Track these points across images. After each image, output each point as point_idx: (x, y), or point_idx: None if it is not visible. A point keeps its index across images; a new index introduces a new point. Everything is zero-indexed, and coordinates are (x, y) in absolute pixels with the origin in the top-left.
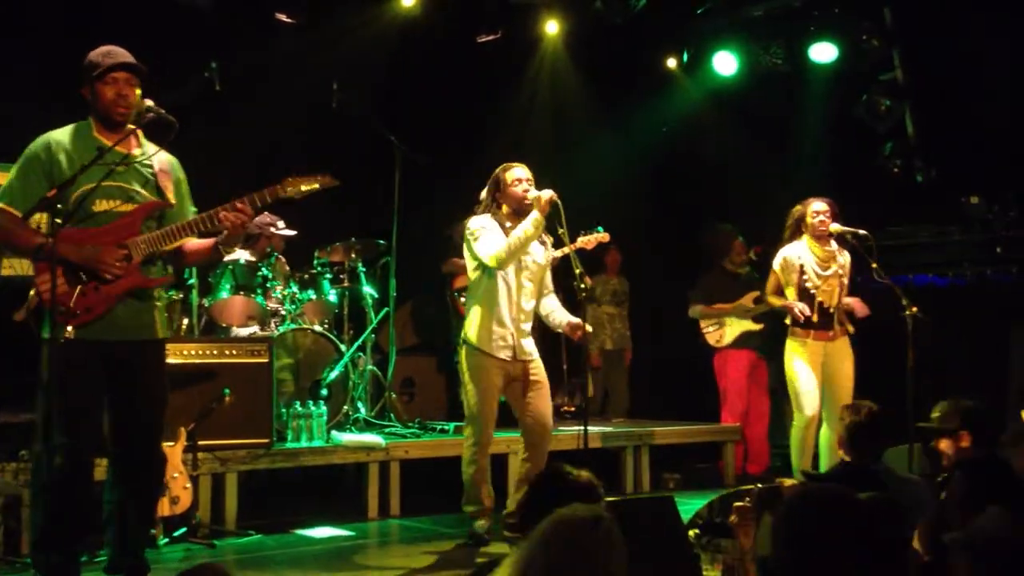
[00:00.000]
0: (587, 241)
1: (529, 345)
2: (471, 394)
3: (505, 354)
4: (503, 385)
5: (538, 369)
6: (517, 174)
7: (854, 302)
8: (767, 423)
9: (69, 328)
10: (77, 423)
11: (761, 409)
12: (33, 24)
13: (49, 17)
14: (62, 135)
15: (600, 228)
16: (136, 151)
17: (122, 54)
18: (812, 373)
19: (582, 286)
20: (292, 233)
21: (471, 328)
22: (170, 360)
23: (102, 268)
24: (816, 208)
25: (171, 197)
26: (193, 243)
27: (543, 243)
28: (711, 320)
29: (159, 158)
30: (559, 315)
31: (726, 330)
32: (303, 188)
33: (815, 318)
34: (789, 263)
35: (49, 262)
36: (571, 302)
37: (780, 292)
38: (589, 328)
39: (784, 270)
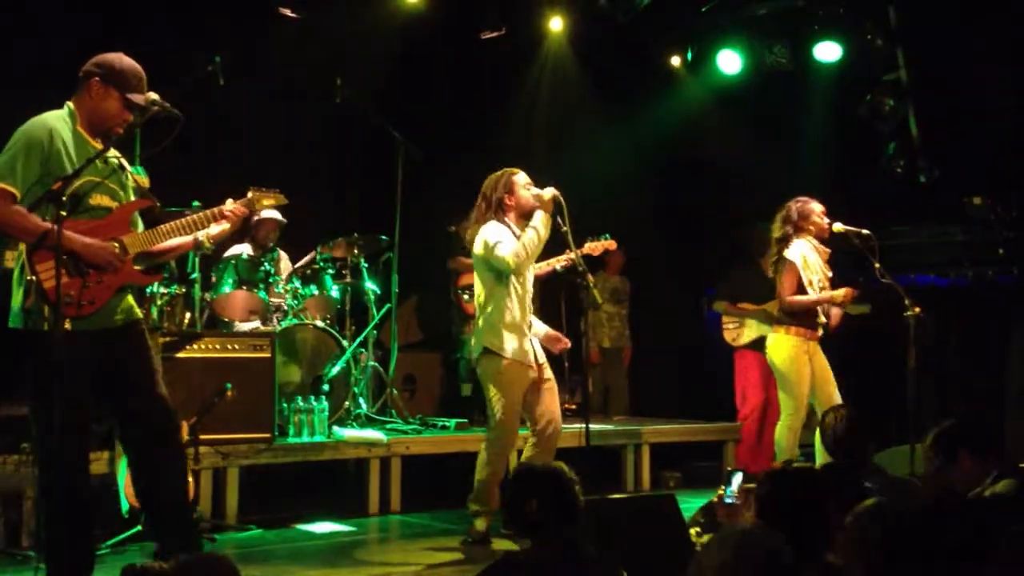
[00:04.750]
0: (594, 247)
1: (539, 346)
2: (498, 401)
3: (529, 359)
4: (525, 388)
5: (548, 370)
6: (525, 179)
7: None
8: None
9: (67, 321)
10: (74, 417)
11: (777, 408)
12: (34, 12)
13: (51, 5)
14: (59, 124)
15: (606, 236)
16: (111, 152)
17: (140, 79)
18: (808, 375)
19: (584, 284)
20: (280, 217)
21: (495, 337)
22: (173, 355)
23: (104, 259)
24: (821, 209)
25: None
26: (166, 243)
27: None
28: (732, 318)
29: (125, 163)
30: (536, 325)
31: (744, 331)
32: (265, 203)
33: (821, 319)
34: (809, 262)
35: (54, 252)
36: (572, 304)
37: (802, 291)
38: (568, 343)
39: (806, 268)
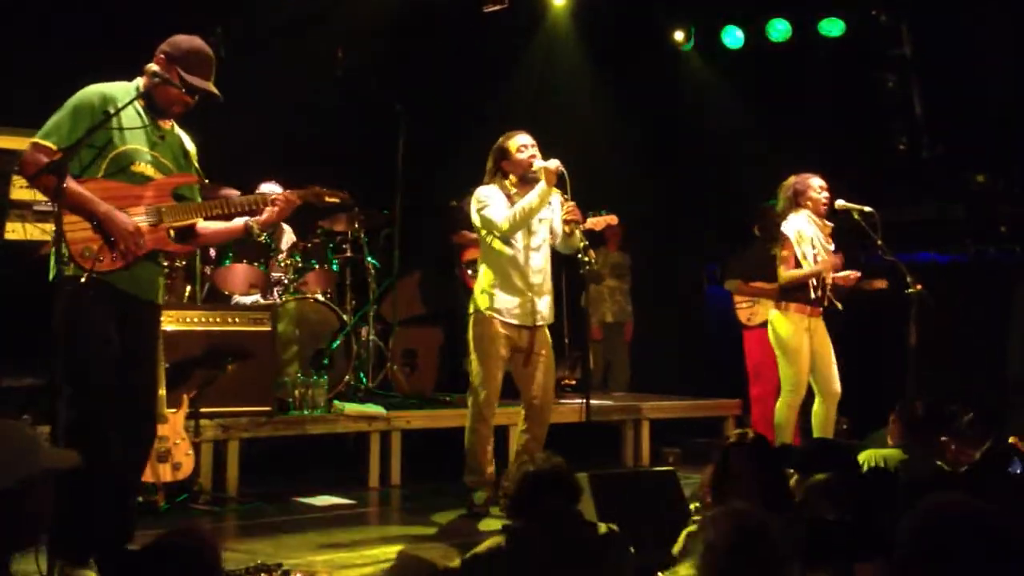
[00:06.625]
0: (596, 223)
1: (544, 306)
2: (475, 362)
3: (518, 320)
4: (508, 356)
5: (545, 338)
6: (521, 140)
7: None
8: None
9: (84, 275)
10: (99, 357)
11: None
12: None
13: None
14: (118, 93)
15: (604, 211)
16: (168, 127)
17: (205, 63)
18: (808, 352)
19: (586, 259)
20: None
21: (481, 294)
22: (174, 327)
23: (119, 234)
24: (820, 184)
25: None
26: (211, 226)
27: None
28: (746, 297)
29: (185, 136)
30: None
31: (759, 308)
32: (326, 199)
33: (818, 293)
34: (803, 236)
35: (78, 213)
36: (573, 277)
37: (798, 266)
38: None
39: (800, 243)
